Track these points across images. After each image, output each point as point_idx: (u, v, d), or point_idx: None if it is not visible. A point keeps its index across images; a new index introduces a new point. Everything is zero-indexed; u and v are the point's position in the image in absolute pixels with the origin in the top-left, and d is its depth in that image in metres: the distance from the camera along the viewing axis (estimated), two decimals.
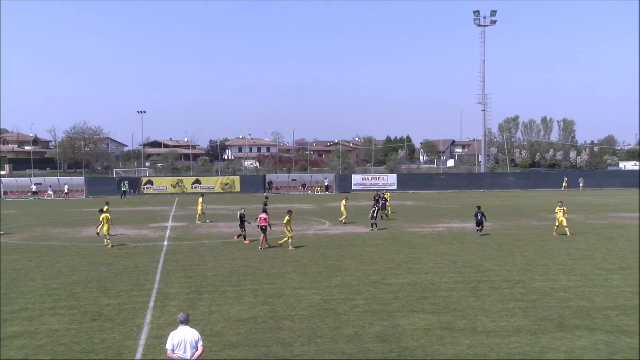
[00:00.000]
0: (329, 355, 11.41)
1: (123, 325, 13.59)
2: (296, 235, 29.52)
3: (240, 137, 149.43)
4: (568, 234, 27.69)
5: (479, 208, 29.24)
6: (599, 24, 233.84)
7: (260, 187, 70.16)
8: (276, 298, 15.95)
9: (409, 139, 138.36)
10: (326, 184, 71.87)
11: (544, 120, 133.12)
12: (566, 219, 28.23)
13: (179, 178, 73.79)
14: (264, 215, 25.77)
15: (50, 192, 65.99)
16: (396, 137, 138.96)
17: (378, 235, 29.22)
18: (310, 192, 70.98)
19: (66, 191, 65.47)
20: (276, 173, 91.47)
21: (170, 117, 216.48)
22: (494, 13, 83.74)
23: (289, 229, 24.67)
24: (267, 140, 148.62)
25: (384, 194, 39.71)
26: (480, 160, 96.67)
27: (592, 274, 18.79)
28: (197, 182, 71.00)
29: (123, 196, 63.48)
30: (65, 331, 13.15)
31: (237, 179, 72.64)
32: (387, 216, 37.24)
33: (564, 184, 69.96)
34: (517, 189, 71.54)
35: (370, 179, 73.44)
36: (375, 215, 31.47)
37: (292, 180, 77.67)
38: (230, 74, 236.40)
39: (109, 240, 25.90)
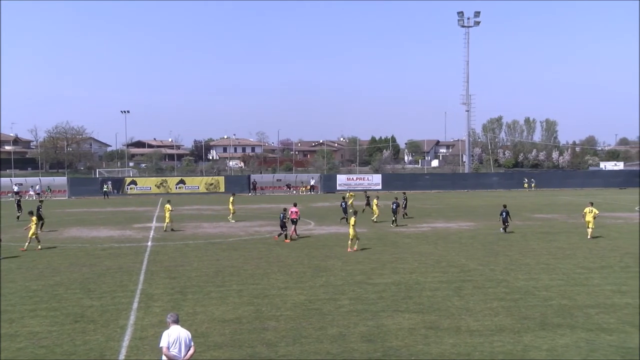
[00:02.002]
0: (314, 355, 11.41)
1: (106, 326, 13.47)
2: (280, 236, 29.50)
3: (225, 137, 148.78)
4: (589, 235, 27.09)
5: (505, 207, 29.87)
6: (581, 24, 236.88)
7: (245, 187, 69.98)
8: (261, 298, 15.92)
9: (393, 139, 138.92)
10: (312, 183, 71.91)
11: (527, 120, 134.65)
12: (594, 221, 27.32)
13: (163, 178, 73.35)
14: (294, 209, 28.24)
15: (32, 192, 65.24)
16: (381, 137, 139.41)
17: (363, 235, 29.26)
18: (295, 192, 70.96)
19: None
20: (261, 173, 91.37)
21: (154, 117, 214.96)
22: (477, 14, 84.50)
23: (354, 230, 23.97)
24: (252, 140, 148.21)
25: (403, 194, 40.00)
26: (464, 160, 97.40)
27: (573, 273, 19.02)
28: (182, 182, 70.64)
29: (106, 196, 62.94)
30: (47, 333, 12.99)
31: (221, 179, 72.39)
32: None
33: (524, 184, 70.87)
34: (501, 189, 72.20)
35: (354, 178, 73.62)
36: (394, 212, 33.13)
37: (277, 180, 77.69)
38: (215, 74, 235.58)
39: (29, 244, 24.73)
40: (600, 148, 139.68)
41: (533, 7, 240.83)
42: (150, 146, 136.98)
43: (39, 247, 24.92)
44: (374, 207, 35.56)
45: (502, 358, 11.14)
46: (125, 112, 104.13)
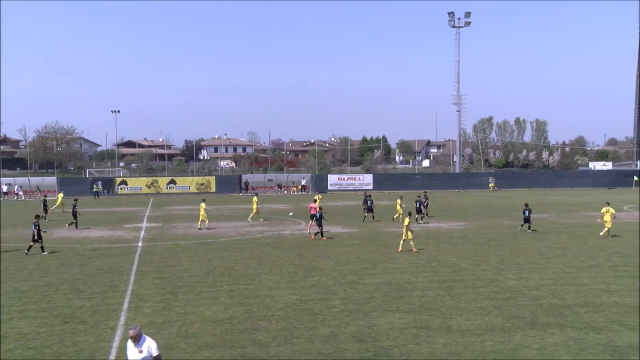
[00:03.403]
0: (305, 355, 11.41)
1: (96, 327, 13.38)
2: (272, 235, 29.51)
3: (216, 136, 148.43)
4: (603, 234, 27.30)
5: (527, 205, 30.17)
6: (571, 25, 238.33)
7: (236, 187, 69.87)
8: (252, 298, 15.89)
9: (384, 139, 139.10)
10: (303, 183, 71.89)
11: (517, 120, 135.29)
12: (612, 221, 27.59)
13: (154, 178, 73.05)
14: (314, 205, 30.03)
15: (20, 193, 64.78)
16: (372, 137, 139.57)
17: (354, 235, 29.34)
18: (286, 192, 70.90)
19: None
20: (252, 173, 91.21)
21: (144, 117, 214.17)
22: (468, 14, 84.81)
23: (409, 230, 23.59)
24: (243, 140, 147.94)
25: (424, 193, 40.05)
26: (455, 160, 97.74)
27: (563, 272, 19.13)
28: (172, 182, 70.40)
29: (96, 196, 62.59)
30: (35, 334, 12.88)
31: (212, 179, 72.23)
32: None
33: (490, 185, 71.02)
34: (491, 189, 72.50)
35: (346, 178, 73.71)
36: (418, 211, 34.27)
37: (268, 180, 77.64)
38: (207, 74, 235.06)
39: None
40: (589, 148, 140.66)
41: (523, 7, 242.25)
42: (140, 146, 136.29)
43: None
44: (397, 207, 35.57)
45: (493, 357, 11.19)
46: (115, 111, 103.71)
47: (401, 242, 23.85)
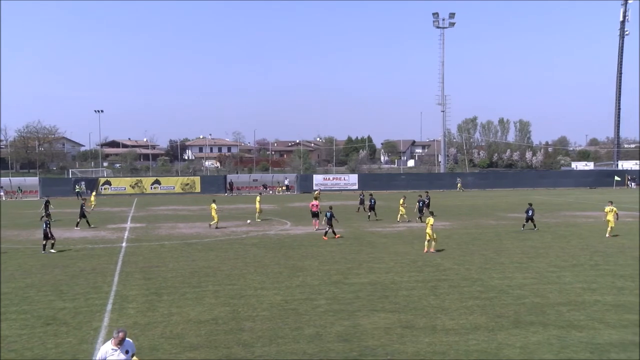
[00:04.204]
0: (290, 356, 11.39)
1: (79, 328, 13.25)
2: (257, 236, 29.44)
3: (201, 136, 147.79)
4: (607, 234, 27.57)
5: (530, 205, 30.78)
6: (555, 26, 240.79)
7: (221, 187, 69.59)
8: (237, 299, 15.84)
9: (369, 139, 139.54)
10: (286, 183, 71.79)
11: (501, 121, 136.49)
12: (615, 220, 27.81)
13: (138, 178, 72.46)
14: (315, 202, 31.47)
15: (2, 193, 63.94)
16: (357, 137, 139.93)
17: (339, 235, 29.34)
18: (271, 192, 70.78)
19: None
20: (237, 173, 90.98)
21: (128, 117, 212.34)
22: (452, 15, 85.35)
23: (432, 230, 23.38)
24: (228, 140, 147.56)
25: (426, 193, 40.14)
26: (439, 160, 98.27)
27: (545, 271, 19.33)
28: (157, 182, 69.92)
29: (79, 197, 61.96)
30: (17, 337, 12.71)
31: (197, 179, 71.89)
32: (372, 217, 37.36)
33: (458, 185, 71.53)
34: (476, 189, 73.08)
35: (331, 178, 73.78)
36: (420, 210, 34.58)
37: (253, 180, 77.44)
38: (191, 74, 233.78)
39: None
40: (572, 148, 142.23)
41: (507, 8, 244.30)
42: (124, 146, 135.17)
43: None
44: (400, 207, 35.61)
45: (477, 356, 11.26)
46: (99, 111, 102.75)
47: (426, 242, 23.64)
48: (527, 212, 30.40)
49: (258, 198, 38.04)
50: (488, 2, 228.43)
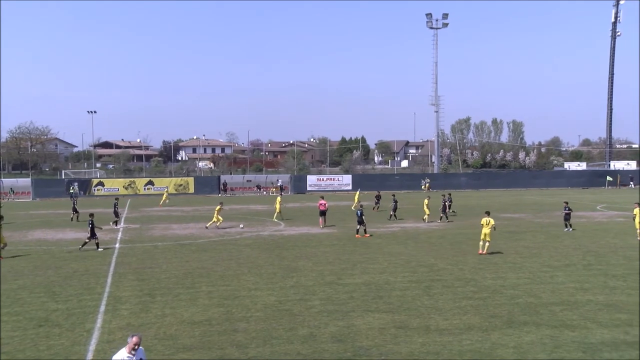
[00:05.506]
0: (284, 356, 11.38)
1: (72, 330, 13.18)
2: (250, 236, 29.39)
3: (194, 137, 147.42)
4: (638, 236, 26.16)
5: (566, 203, 30.99)
6: (548, 28, 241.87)
7: (215, 188, 69.46)
8: (231, 299, 15.81)
9: (363, 140, 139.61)
10: (279, 184, 71.74)
11: (494, 121, 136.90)
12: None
13: (131, 179, 72.21)
14: (323, 202, 33.13)
15: None
16: (351, 138, 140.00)
17: (333, 236, 29.37)
18: (265, 192, 70.70)
19: None
20: (231, 174, 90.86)
21: (122, 118, 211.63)
22: (445, 16, 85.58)
23: (488, 234, 22.83)
24: (222, 140, 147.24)
25: (449, 194, 40.05)
26: (433, 160, 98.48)
27: (539, 271, 19.40)
28: (150, 183, 69.67)
29: (72, 198, 61.66)
30: (8, 338, 12.63)
31: (191, 179, 71.74)
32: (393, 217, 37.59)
33: (425, 186, 71.45)
34: (469, 189, 73.25)
35: (325, 179, 73.79)
36: (445, 210, 35.59)
37: (247, 181, 77.34)
38: (184, 75, 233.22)
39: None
40: (564, 149, 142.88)
41: (500, 9, 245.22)
42: (118, 147, 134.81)
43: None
44: (425, 208, 35.71)
45: (471, 356, 11.29)
46: (92, 112, 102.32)
47: (480, 243, 23.15)
48: (565, 209, 30.53)
49: (279, 199, 38.66)
50: (482, 3, 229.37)
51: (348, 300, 15.66)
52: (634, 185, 75.64)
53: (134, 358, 8.13)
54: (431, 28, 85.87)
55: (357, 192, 48.61)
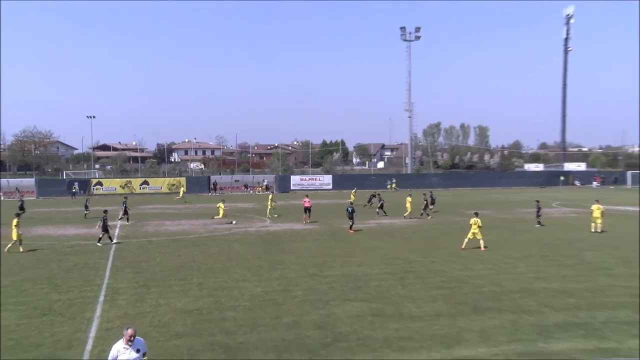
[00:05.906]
0: (270, 342, 11.43)
1: (73, 318, 13.09)
2: (238, 232, 29.34)
3: (186, 140, 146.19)
4: (594, 229, 27.60)
5: (538, 202, 31.75)
6: (510, 42, 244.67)
7: (205, 188, 69.11)
8: (220, 290, 15.80)
9: (343, 143, 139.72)
10: (265, 184, 71.56)
11: (462, 126, 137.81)
12: (601, 216, 27.56)
13: (128, 179, 71.48)
14: (307, 200, 33.68)
15: (1, 194, 62.53)
16: (331, 141, 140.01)
17: (316, 232, 29.44)
18: (252, 191, 70.52)
19: None
20: (220, 174, 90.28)
21: (119, 122, 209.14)
22: (418, 29, 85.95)
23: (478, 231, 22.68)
24: (212, 143, 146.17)
25: (430, 192, 40.57)
26: (407, 162, 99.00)
27: (502, 263, 19.68)
28: (145, 182, 69.09)
29: (73, 197, 61.02)
30: (15, 326, 12.53)
31: (183, 180, 71.16)
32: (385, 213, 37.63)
33: (391, 185, 71.13)
34: (440, 188, 73.67)
35: (307, 179, 73.82)
36: (426, 207, 35.97)
37: (235, 180, 77.23)
38: (176, 80, 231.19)
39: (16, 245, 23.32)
40: (525, 151, 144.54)
41: (471, 22, 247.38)
42: (115, 149, 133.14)
43: (21, 249, 23.17)
44: (407, 205, 35.66)
45: (440, 340, 11.44)
46: (91, 117, 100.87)
47: (465, 240, 23.00)
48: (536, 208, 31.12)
49: (270, 197, 39.09)
50: (454, 16, 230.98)
51: (328, 290, 15.74)
52: (579, 184, 77.79)
53: (130, 349, 8.05)
54: (405, 40, 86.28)
55: (353, 191, 48.19)
